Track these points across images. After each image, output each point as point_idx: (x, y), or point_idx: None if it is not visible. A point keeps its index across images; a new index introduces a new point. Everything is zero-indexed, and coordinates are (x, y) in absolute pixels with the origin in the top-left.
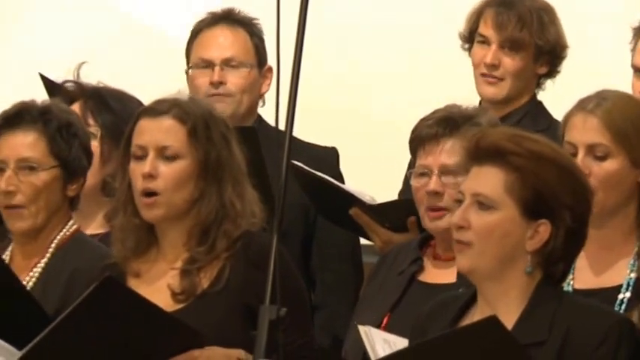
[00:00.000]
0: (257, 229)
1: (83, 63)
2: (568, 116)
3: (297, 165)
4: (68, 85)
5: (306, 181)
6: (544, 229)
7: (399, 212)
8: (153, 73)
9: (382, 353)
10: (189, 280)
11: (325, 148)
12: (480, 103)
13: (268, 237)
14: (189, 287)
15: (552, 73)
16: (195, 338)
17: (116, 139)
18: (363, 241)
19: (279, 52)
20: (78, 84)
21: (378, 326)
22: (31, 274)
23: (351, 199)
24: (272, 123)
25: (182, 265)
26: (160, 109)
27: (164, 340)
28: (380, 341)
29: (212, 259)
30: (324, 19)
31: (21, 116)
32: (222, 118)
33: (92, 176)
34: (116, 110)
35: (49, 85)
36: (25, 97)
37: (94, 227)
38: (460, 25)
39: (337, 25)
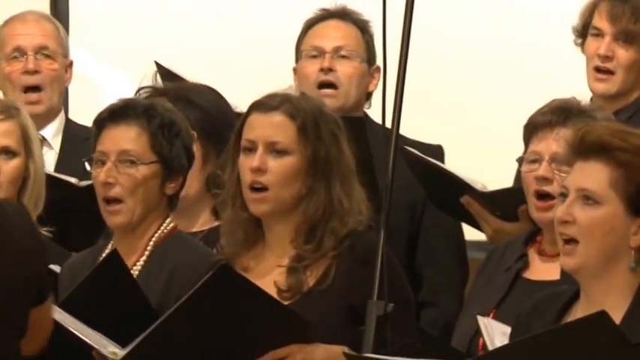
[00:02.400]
0: (364, 228)
1: (157, 71)
2: None
3: (409, 151)
4: (144, 91)
5: (419, 168)
6: None
7: (511, 200)
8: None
9: (499, 345)
10: (296, 278)
11: (431, 145)
12: (591, 99)
13: (375, 236)
14: (296, 285)
15: None
16: (305, 330)
17: (208, 135)
18: (469, 236)
19: (385, 46)
20: (155, 88)
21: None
22: (130, 272)
23: (463, 187)
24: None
25: (289, 262)
26: (270, 104)
27: (275, 329)
28: (499, 334)
29: (319, 257)
30: (431, 11)
31: (125, 111)
32: (332, 115)
33: (195, 178)
34: (202, 106)
35: (164, 72)
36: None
37: (200, 225)
38: (571, 19)
39: (442, 15)
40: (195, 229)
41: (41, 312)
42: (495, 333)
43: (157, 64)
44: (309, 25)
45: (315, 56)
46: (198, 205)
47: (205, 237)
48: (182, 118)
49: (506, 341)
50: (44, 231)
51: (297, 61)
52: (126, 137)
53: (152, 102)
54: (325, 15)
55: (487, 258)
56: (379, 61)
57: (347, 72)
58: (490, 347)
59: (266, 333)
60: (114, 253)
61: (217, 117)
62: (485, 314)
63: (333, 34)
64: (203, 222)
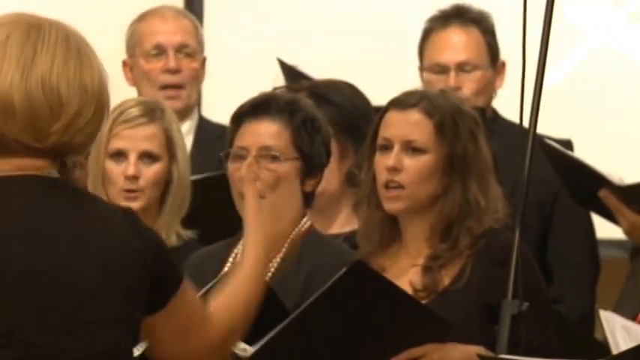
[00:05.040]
0: (500, 226)
1: (280, 68)
2: None
3: (548, 143)
4: (280, 90)
5: (557, 160)
6: None
7: None
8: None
9: (620, 339)
10: (431, 277)
11: (560, 140)
12: None
13: (511, 235)
14: (431, 284)
15: None
16: (444, 330)
17: (345, 131)
18: (604, 235)
19: (525, 47)
20: (288, 87)
21: (632, 320)
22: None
23: (601, 180)
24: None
25: (424, 261)
26: (408, 101)
27: (411, 327)
28: (620, 328)
29: (454, 256)
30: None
31: (268, 105)
32: (470, 112)
33: (333, 175)
34: (339, 101)
35: (287, 70)
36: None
37: (338, 226)
38: None
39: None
40: (334, 229)
41: (161, 318)
42: (616, 327)
43: (280, 62)
44: (428, 32)
45: (439, 72)
46: (337, 203)
47: (347, 240)
48: (321, 114)
49: (626, 336)
50: (189, 233)
51: (420, 61)
52: (268, 132)
53: (295, 96)
54: (443, 19)
55: (632, 255)
56: (517, 57)
57: (472, 87)
58: (611, 341)
59: (401, 332)
60: None
61: (354, 112)
62: (635, 313)
63: (454, 46)
64: (343, 220)
